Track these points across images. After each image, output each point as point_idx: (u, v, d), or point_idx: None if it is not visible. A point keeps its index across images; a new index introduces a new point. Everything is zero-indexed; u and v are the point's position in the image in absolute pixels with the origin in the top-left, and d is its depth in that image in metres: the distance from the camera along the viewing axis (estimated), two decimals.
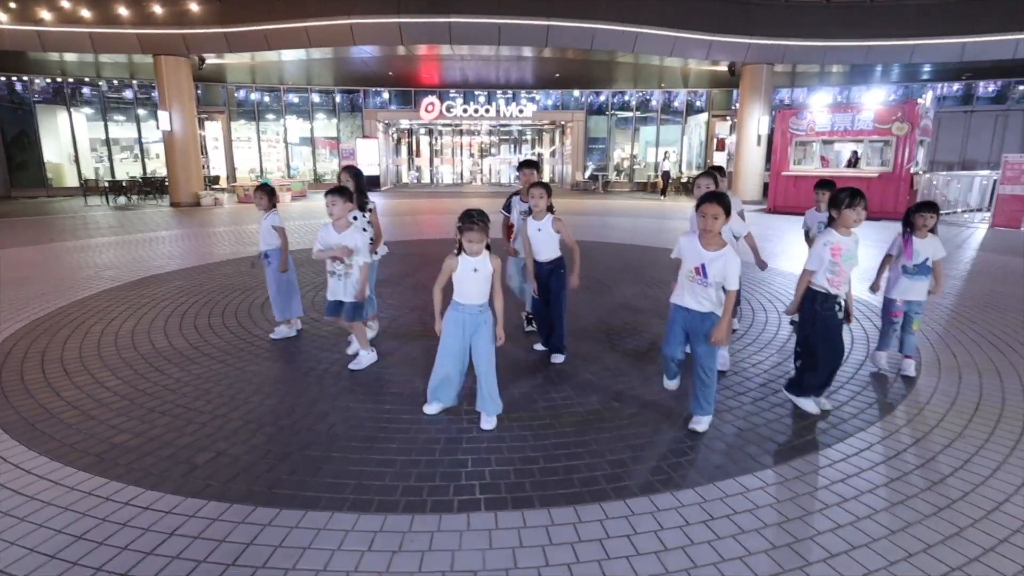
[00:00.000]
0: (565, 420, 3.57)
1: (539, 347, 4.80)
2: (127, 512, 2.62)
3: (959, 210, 16.30)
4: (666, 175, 22.79)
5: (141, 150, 23.25)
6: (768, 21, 18.04)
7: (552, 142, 30.24)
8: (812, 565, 2.33)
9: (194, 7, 16.08)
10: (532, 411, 3.69)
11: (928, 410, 3.75)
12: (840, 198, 3.47)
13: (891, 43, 18.03)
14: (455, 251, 3.34)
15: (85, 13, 15.77)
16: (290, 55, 18.21)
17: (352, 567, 2.30)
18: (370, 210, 4.92)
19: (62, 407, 3.69)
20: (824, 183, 5.12)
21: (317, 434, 3.38)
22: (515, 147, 31.64)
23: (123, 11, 15.92)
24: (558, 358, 4.58)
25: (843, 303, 3.55)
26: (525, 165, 4.96)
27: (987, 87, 22.24)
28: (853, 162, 15.95)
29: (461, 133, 30.39)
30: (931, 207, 4.14)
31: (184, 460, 3.06)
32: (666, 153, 24.59)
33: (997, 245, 10.69)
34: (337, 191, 4.20)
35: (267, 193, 5.10)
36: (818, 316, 3.53)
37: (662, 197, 22.04)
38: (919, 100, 14.93)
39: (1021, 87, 21.70)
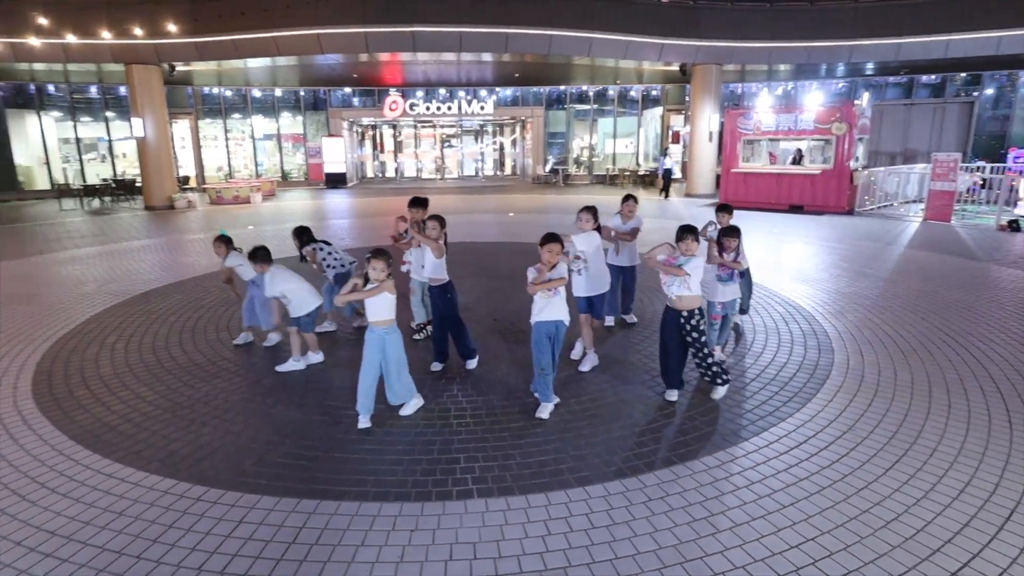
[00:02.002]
0: (535, 421, 4.40)
1: (436, 366, 5.38)
2: (200, 506, 3.38)
3: (896, 203, 17.45)
4: (668, 173, 20.36)
5: (110, 150, 23.24)
6: (716, 24, 19.10)
7: (512, 132, 30.98)
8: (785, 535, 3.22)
9: (166, 18, 16.31)
10: (508, 413, 4.53)
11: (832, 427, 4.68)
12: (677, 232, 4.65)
13: (831, 44, 19.24)
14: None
15: (61, 25, 15.97)
16: (257, 61, 18.56)
17: (383, 542, 3.10)
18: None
19: (117, 420, 4.40)
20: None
21: (336, 438, 4.15)
22: (477, 138, 32.30)
23: (97, 24, 16.13)
24: (471, 363, 5.41)
25: (682, 311, 4.62)
26: (413, 204, 5.82)
27: (930, 79, 23.61)
28: (797, 159, 17.09)
29: (425, 127, 30.84)
30: (736, 231, 5.33)
31: (234, 465, 3.81)
32: (665, 149, 22.00)
33: (926, 241, 11.60)
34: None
35: (224, 243, 5.97)
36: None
37: (663, 196, 19.99)
38: (856, 102, 16.10)
39: (957, 82, 23.20)
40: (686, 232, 4.59)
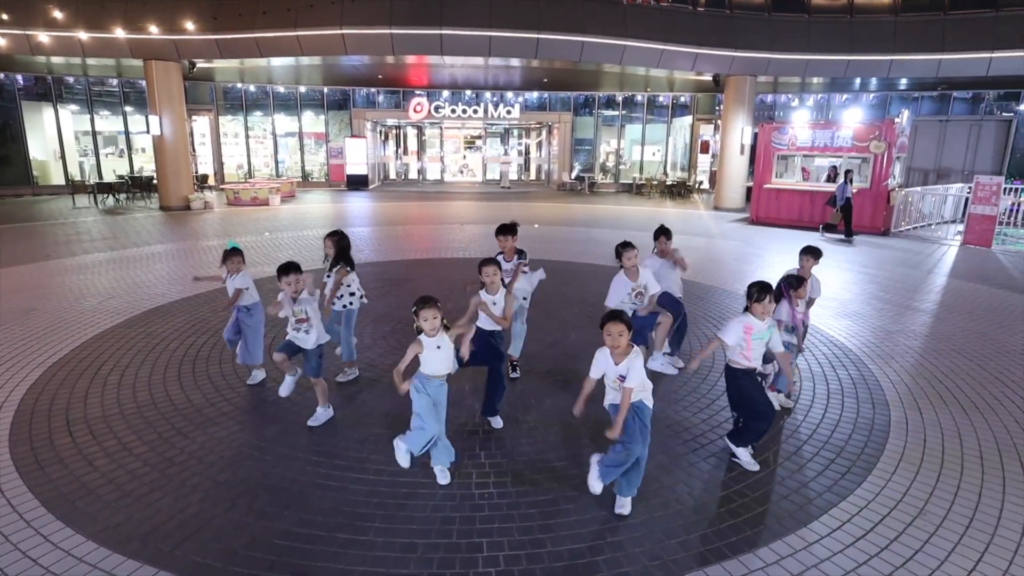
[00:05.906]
0: (569, 496, 3.87)
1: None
2: None
3: (932, 224, 16.84)
4: (848, 204, 14.12)
5: (128, 145, 23.01)
6: (752, 34, 18.54)
7: (539, 136, 30.53)
8: None
9: (185, 15, 16.00)
10: (537, 481, 4.02)
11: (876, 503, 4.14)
12: (750, 292, 4.10)
13: (869, 58, 18.61)
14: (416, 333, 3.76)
15: (77, 20, 15.69)
16: (280, 59, 18.22)
17: None
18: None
19: (98, 480, 3.91)
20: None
21: (342, 512, 3.64)
22: (503, 142, 31.88)
23: (115, 19, 15.84)
24: (497, 423, 4.80)
25: (761, 373, 4.31)
26: (501, 231, 5.37)
27: (965, 94, 22.79)
28: (833, 177, 16.43)
29: (449, 129, 30.46)
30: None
31: (225, 546, 3.31)
32: (848, 172, 14.56)
33: (969, 269, 11.16)
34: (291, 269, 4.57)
35: (239, 256, 5.46)
36: (740, 387, 4.21)
37: (849, 239, 14.12)
38: (896, 120, 15.43)
39: (994, 98, 22.38)
40: (761, 291, 4.09)
